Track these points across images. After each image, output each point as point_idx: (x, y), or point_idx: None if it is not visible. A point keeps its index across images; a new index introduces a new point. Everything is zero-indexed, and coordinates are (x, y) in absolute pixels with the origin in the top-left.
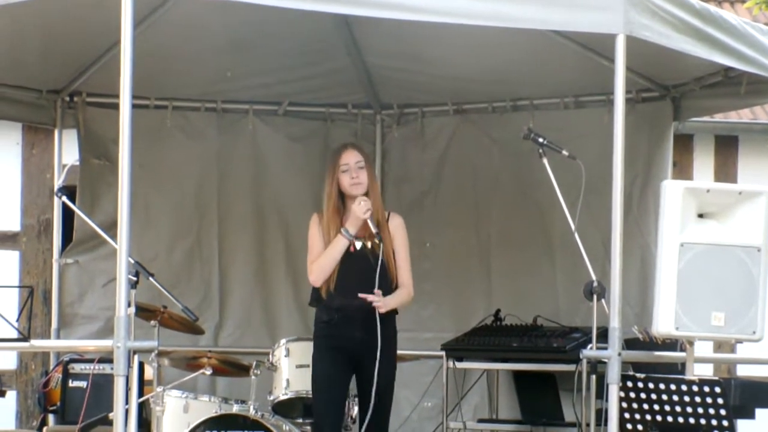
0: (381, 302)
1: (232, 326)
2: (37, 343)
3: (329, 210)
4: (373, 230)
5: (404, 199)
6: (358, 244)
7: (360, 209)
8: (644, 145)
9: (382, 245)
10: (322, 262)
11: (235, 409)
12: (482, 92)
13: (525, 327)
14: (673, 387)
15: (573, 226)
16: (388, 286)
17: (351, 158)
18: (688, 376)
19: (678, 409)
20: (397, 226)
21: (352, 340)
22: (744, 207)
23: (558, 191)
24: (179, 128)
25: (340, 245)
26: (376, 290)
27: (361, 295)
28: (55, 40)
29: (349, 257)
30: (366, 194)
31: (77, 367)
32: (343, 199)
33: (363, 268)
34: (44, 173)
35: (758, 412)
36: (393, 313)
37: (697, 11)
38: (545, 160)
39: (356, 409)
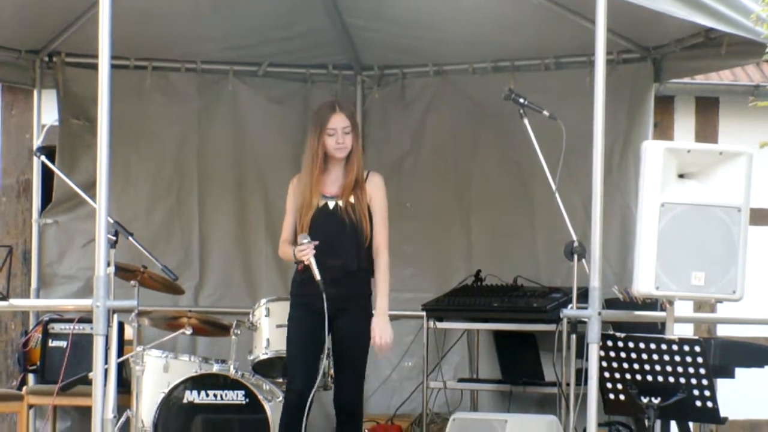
0: (386, 337)
1: (212, 286)
2: (16, 303)
3: (314, 171)
4: (317, 277)
5: (385, 161)
6: (332, 204)
7: (299, 253)
8: (625, 106)
9: (356, 204)
10: (284, 253)
11: (216, 368)
12: (463, 54)
13: (505, 287)
14: (653, 346)
15: (554, 187)
16: (361, 247)
17: (339, 123)
18: (667, 336)
19: (658, 368)
20: (376, 185)
21: (322, 299)
22: (724, 167)
23: (539, 152)
24: (159, 88)
25: (289, 253)
26: (374, 339)
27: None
28: None
29: (323, 216)
30: (349, 156)
31: (57, 327)
32: (326, 161)
33: (337, 227)
34: (24, 133)
35: (738, 371)
36: (366, 271)
37: None
38: (526, 121)
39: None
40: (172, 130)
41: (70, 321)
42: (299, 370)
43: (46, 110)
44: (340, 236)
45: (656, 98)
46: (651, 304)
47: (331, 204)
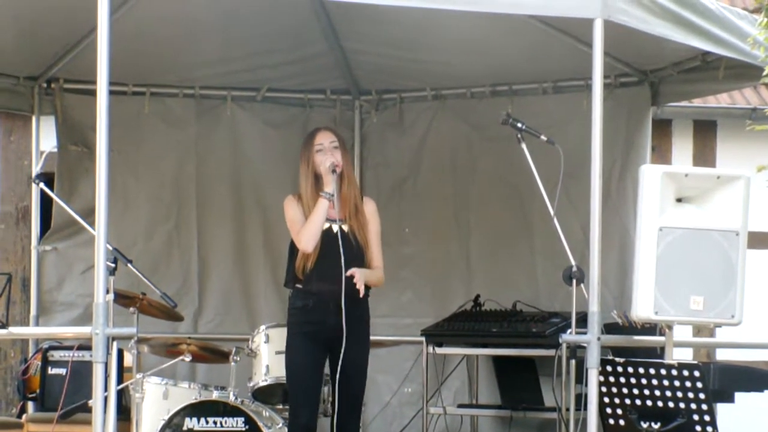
0: (357, 275)
1: (211, 313)
2: (15, 330)
3: (308, 192)
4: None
5: (383, 185)
6: (335, 227)
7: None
8: (623, 130)
9: (358, 228)
10: (308, 226)
11: (215, 395)
12: (461, 78)
13: (504, 312)
14: (652, 371)
15: (552, 211)
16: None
17: (325, 138)
18: (667, 361)
19: (657, 393)
20: (372, 210)
21: (326, 325)
22: (722, 191)
23: (537, 176)
24: (157, 115)
25: (321, 207)
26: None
27: (348, 272)
28: (32, 26)
29: (327, 240)
30: (341, 174)
31: (56, 354)
32: (318, 181)
33: (343, 251)
34: (22, 160)
35: (737, 396)
36: (366, 296)
37: None
38: (524, 146)
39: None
40: (171, 155)
41: (70, 348)
42: (305, 403)
43: (45, 137)
44: (347, 260)
45: (654, 122)
46: (650, 328)
47: (335, 227)
